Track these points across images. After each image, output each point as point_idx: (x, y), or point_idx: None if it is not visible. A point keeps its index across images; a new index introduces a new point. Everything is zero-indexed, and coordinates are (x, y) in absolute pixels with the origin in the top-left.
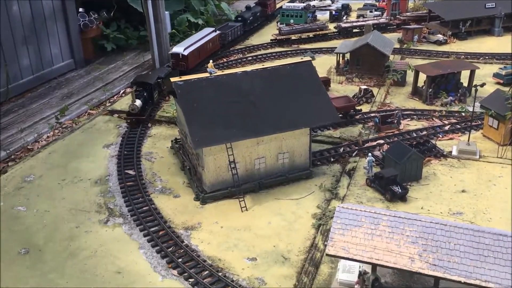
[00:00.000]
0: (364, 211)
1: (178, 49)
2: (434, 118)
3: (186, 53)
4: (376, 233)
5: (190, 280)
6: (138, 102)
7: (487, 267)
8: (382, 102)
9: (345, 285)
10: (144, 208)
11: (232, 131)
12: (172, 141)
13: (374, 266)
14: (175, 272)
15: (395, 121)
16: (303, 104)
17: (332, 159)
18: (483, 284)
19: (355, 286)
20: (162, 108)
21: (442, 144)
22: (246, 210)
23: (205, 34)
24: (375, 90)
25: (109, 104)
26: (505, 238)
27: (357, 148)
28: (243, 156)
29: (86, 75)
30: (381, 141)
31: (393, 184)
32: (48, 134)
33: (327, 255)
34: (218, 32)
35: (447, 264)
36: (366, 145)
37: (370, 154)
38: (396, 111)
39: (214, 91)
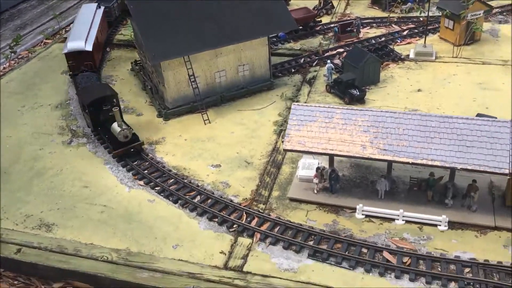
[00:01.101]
0: (319, 106)
1: (76, 44)
2: (392, 25)
3: (90, 48)
4: (330, 126)
5: (156, 188)
6: (122, 126)
7: (433, 147)
8: (342, 12)
9: (305, 180)
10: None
11: (189, 44)
12: (131, 63)
13: (331, 160)
14: (141, 182)
15: (355, 29)
16: (260, 14)
17: (293, 70)
18: (430, 163)
19: (314, 180)
20: (120, 31)
21: (400, 48)
22: (209, 122)
23: (90, 15)
24: (335, 2)
25: (65, 32)
26: (450, 120)
27: (317, 58)
28: (203, 69)
29: (38, 5)
30: (341, 50)
31: (351, 88)
32: (4, 66)
33: (284, 150)
34: (102, 7)
35: (396, 148)
36: (326, 54)
37: (329, 61)
38: (355, 20)
39: (169, 5)
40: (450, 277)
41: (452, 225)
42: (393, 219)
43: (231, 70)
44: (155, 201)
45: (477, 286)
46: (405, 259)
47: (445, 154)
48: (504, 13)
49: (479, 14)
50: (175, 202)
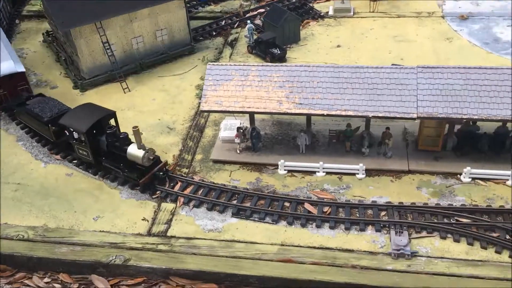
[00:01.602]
0: (234, 65)
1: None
2: None
3: (22, 67)
4: (246, 84)
5: (74, 161)
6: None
7: (346, 97)
8: None
9: (227, 141)
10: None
11: (99, 9)
12: (43, 34)
13: (252, 119)
14: (58, 157)
15: None
16: None
17: (214, 33)
18: (343, 113)
19: (235, 139)
20: (30, 1)
21: (320, 6)
22: (129, 91)
23: None
24: None
25: None
26: (361, 70)
27: (238, 19)
28: (118, 36)
29: None
30: (262, 10)
31: (272, 47)
32: None
33: (201, 111)
34: None
35: (312, 101)
36: (248, 15)
37: (249, 21)
38: None
39: None
40: (367, 221)
41: (369, 172)
42: (314, 172)
43: (148, 36)
44: (73, 174)
45: (392, 227)
46: (325, 209)
47: (358, 104)
48: None
49: None
50: (94, 174)
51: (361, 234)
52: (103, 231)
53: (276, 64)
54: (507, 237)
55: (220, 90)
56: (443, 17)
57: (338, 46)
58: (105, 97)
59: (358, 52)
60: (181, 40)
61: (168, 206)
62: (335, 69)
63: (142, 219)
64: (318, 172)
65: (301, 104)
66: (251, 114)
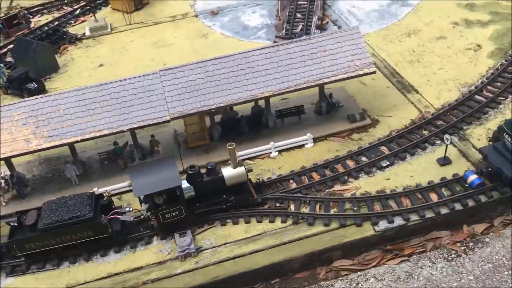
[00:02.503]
0: None
1: None
2: (63, 7)
3: None
4: None
5: None
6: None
7: (97, 118)
8: (9, 6)
9: None
10: None
11: None
12: None
13: (10, 165)
14: None
15: (22, 21)
16: None
17: None
18: (98, 134)
19: None
20: None
21: (76, 29)
22: None
23: None
24: None
25: None
26: (105, 86)
27: None
28: None
29: None
30: (11, 46)
31: (27, 82)
32: None
33: None
34: None
35: (62, 130)
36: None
37: None
38: (20, 11)
39: None
40: (150, 234)
41: None
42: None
43: None
44: None
45: (176, 230)
46: None
47: (111, 121)
48: None
49: None
50: None
51: (148, 247)
52: None
53: (14, 102)
54: (277, 205)
55: None
56: (196, 16)
57: (101, 65)
58: None
59: (121, 66)
60: None
61: None
62: (78, 92)
63: None
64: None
65: (51, 136)
66: (6, 160)
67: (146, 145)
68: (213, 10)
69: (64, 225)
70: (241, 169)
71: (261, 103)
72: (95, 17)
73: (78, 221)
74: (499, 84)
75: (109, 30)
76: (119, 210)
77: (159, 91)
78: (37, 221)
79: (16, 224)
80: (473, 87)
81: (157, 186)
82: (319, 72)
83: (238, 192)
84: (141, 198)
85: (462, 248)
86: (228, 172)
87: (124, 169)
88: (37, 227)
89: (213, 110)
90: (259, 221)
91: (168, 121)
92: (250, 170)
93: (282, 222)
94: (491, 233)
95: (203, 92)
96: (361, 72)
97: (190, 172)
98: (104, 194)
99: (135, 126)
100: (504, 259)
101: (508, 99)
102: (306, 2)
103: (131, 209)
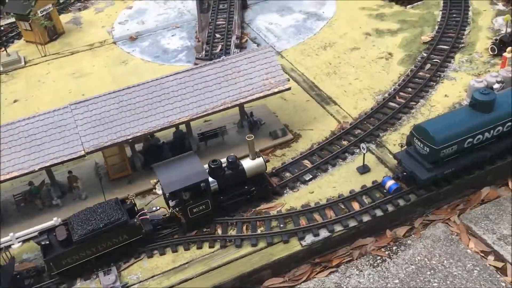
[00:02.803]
0: None
1: None
2: None
3: None
4: None
5: None
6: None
7: (6, 159)
8: None
9: None
10: None
11: None
12: None
13: None
14: None
15: None
16: None
17: None
18: (8, 176)
19: None
20: None
21: None
22: None
23: None
24: None
25: None
26: (12, 126)
27: None
28: None
29: None
30: None
31: None
32: None
33: None
34: None
35: None
36: None
37: None
38: None
39: None
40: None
41: None
42: (10, 246)
43: None
44: None
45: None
46: (27, 282)
47: (20, 161)
48: (83, 1)
49: (49, 8)
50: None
51: None
52: None
53: None
54: (204, 230)
55: None
56: (114, 42)
57: (15, 101)
58: None
59: (37, 100)
60: None
61: None
62: (2, 128)
63: None
64: (14, 244)
65: None
66: None
67: (65, 182)
68: (131, 36)
69: (100, 233)
70: (259, 160)
71: (183, 127)
72: (6, 52)
73: (114, 226)
74: (410, 89)
75: (23, 63)
76: (146, 211)
77: (72, 126)
78: (69, 235)
79: (48, 242)
80: (386, 94)
81: (187, 181)
82: (235, 93)
83: (257, 183)
84: (167, 195)
85: (387, 252)
86: (247, 164)
87: (42, 208)
88: (72, 240)
89: (131, 140)
90: (186, 249)
91: (83, 156)
92: (268, 161)
93: (210, 247)
94: (413, 235)
95: (118, 123)
96: (276, 90)
97: (213, 166)
98: (127, 197)
99: (47, 164)
100: (426, 259)
101: (419, 103)
102: (224, 22)
103: (158, 208)
